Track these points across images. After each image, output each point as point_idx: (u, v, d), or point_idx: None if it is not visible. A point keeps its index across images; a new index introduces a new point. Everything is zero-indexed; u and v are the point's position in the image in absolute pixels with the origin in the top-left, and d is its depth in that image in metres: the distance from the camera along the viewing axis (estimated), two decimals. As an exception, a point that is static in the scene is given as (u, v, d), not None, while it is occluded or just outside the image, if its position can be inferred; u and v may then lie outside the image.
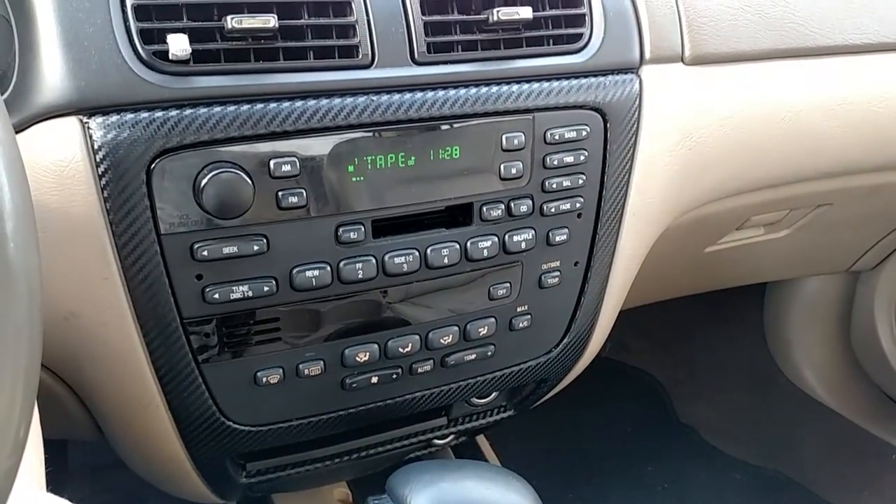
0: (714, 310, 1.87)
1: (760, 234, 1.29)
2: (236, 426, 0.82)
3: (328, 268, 0.76)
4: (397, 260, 0.79)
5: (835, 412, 1.75)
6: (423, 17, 0.76)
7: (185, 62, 0.67)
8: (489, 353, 0.91)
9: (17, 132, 0.65)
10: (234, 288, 0.73)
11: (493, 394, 1.06)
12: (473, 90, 0.78)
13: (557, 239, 0.87)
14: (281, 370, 0.80)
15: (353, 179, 0.75)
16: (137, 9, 0.66)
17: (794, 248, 1.37)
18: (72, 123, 0.65)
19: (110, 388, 0.79)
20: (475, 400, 1.05)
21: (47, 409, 0.60)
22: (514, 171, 0.82)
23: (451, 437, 1.11)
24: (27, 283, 0.42)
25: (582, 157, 0.85)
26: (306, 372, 0.81)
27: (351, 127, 0.74)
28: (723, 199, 1.04)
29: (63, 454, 1.48)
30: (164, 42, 0.66)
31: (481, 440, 1.46)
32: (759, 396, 1.88)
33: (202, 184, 0.68)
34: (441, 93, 0.77)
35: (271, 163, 0.70)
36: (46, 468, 0.58)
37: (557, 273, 0.90)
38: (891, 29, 1.03)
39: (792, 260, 1.49)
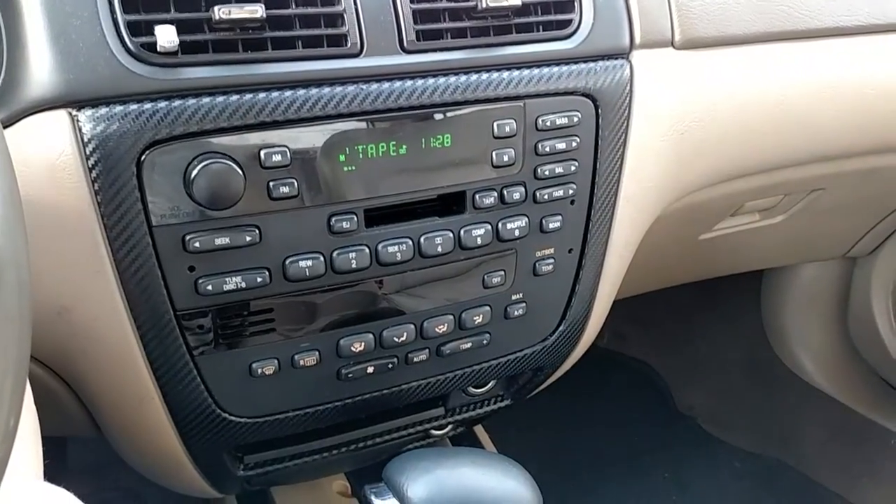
0: (711, 298, 1.88)
1: (755, 221, 1.29)
2: (232, 418, 0.82)
3: (321, 258, 0.76)
4: (391, 249, 0.79)
5: (832, 398, 1.76)
6: (412, 6, 0.76)
7: (173, 53, 0.67)
8: (485, 342, 0.91)
9: (6, 126, 0.65)
10: (226, 279, 0.73)
11: (490, 383, 1.06)
12: (464, 77, 0.78)
13: (551, 226, 0.87)
14: (276, 361, 0.80)
15: (345, 169, 0.75)
16: (125, 1, 0.66)
17: (789, 234, 1.37)
18: (61, 117, 0.65)
19: (105, 382, 0.78)
20: (472, 389, 1.05)
21: (44, 406, 0.60)
22: (506, 158, 0.82)
23: (449, 427, 1.11)
24: (16, 273, 0.42)
25: (574, 144, 0.85)
26: (301, 363, 0.81)
27: (341, 116, 0.73)
28: (716, 184, 1.04)
29: (63, 452, 1.48)
30: (152, 34, 0.66)
31: (479, 430, 1.46)
32: (757, 384, 1.88)
33: (193, 175, 0.68)
34: (431, 80, 0.77)
35: (262, 153, 0.70)
36: (46, 464, 0.58)
37: (551, 260, 0.90)
38: (881, 10, 1.03)
39: (787, 246, 1.49)
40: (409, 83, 0.76)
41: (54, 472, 0.60)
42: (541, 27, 0.83)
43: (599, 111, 0.86)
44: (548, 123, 0.83)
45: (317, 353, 0.81)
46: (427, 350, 0.88)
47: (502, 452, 1.47)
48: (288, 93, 0.71)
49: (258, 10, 0.68)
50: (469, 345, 0.90)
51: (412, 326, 0.85)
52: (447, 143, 0.79)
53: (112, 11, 0.66)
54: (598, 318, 1.01)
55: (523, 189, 0.84)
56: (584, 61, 0.85)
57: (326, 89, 0.73)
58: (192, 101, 0.68)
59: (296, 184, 0.72)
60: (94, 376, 0.78)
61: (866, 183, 1.26)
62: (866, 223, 1.47)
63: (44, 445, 0.59)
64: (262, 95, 0.70)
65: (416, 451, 0.86)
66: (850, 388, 1.78)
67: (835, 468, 1.72)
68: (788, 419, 1.82)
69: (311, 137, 0.73)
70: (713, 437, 1.85)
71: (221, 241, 0.71)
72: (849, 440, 1.73)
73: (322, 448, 0.98)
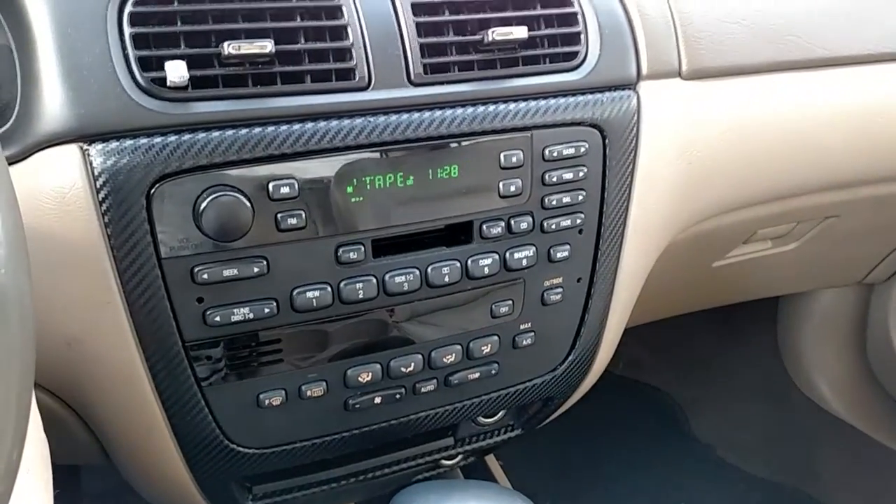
0: (727, 324, 1.86)
1: (768, 248, 1.28)
2: (240, 449, 0.82)
3: (329, 288, 0.77)
4: (398, 279, 0.79)
5: (851, 426, 1.73)
6: (419, 39, 0.77)
7: (183, 88, 0.68)
8: (493, 372, 0.91)
9: (19, 161, 0.66)
10: (234, 310, 0.73)
11: (500, 412, 1.05)
12: (471, 109, 0.79)
13: (559, 255, 0.87)
14: (283, 392, 0.80)
15: (353, 200, 0.75)
16: (136, 37, 0.67)
17: (803, 261, 1.36)
18: (72, 151, 0.66)
19: (114, 412, 0.79)
20: (482, 419, 1.04)
21: (53, 434, 0.61)
22: (513, 188, 0.82)
23: (459, 457, 1.11)
24: (19, 309, 0.42)
25: (581, 174, 0.85)
26: (309, 393, 0.81)
27: (349, 148, 0.74)
28: (726, 212, 1.04)
29: (76, 480, 1.48)
30: (163, 69, 0.67)
31: (491, 460, 1.45)
32: (775, 411, 1.86)
33: (202, 207, 0.69)
34: (438, 113, 0.77)
35: (270, 185, 0.71)
36: (56, 493, 0.58)
37: (560, 290, 0.90)
38: (890, 39, 1.03)
39: (802, 273, 1.48)
40: (416, 115, 0.77)
41: (67, 500, 0.60)
42: (547, 59, 0.83)
43: (607, 141, 0.86)
44: (555, 154, 0.83)
45: (324, 383, 0.81)
46: (435, 380, 0.88)
47: (514, 482, 1.46)
48: (296, 126, 0.72)
49: (267, 46, 0.69)
50: (477, 374, 0.90)
51: (420, 356, 0.85)
52: (454, 173, 0.79)
53: (123, 47, 0.67)
54: (608, 346, 1.01)
55: (531, 219, 0.84)
56: (592, 92, 0.85)
57: (334, 122, 0.73)
58: (201, 135, 0.69)
59: (304, 215, 0.73)
60: (103, 406, 0.79)
61: (881, 210, 1.25)
62: (882, 250, 1.45)
63: (56, 474, 0.59)
64: (270, 129, 0.71)
65: (423, 483, 0.85)
66: (869, 416, 1.75)
67: (854, 497, 1.69)
68: (807, 448, 1.80)
69: (320, 169, 0.73)
70: (730, 464, 1.83)
71: (230, 272, 0.72)
72: (868, 468, 1.70)
73: (331, 478, 0.98)
